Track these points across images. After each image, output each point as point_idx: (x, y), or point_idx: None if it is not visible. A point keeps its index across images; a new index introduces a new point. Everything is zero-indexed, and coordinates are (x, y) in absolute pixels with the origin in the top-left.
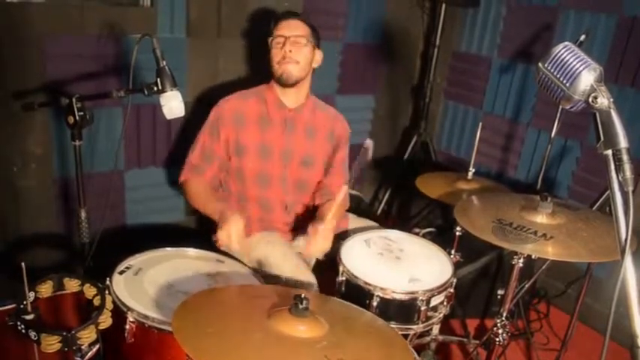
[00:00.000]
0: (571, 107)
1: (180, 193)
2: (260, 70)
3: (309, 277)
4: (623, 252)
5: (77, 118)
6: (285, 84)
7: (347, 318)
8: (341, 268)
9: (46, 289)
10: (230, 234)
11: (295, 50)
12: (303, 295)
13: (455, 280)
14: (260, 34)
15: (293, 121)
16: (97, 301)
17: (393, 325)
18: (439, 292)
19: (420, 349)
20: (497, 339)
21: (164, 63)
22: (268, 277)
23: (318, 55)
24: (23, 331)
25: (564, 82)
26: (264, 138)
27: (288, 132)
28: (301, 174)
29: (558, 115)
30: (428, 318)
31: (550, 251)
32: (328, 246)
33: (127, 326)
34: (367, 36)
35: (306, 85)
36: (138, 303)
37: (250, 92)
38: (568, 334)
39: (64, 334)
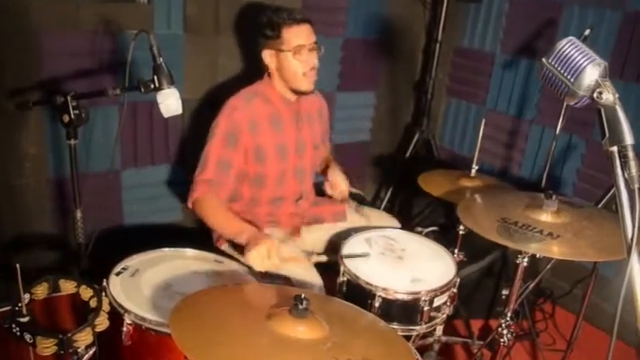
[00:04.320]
0: (575, 103)
1: (191, 210)
2: (260, 67)
3: (315, 278)
4: (629, 250)
5: (72, 116)
6: (303, 94)
7: (346, 318)
8: (342, 268)
9: (41, 290)
10: (264, 255)
11: (316, 59)
12: (303, 296)
13: (458, 280)
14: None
15: (299, 112)
16: (93, 303)
17: (395, 326)
18: (442, 292)
19: (423, 350)
20: (502, 340)
21: (161, 60)
22: (268, 276)
23: None
24: (18, 333)
25: (568, 77)
26: (280, 138)
27: (298, 124)
28: (314, 158)
29: (563, 111)
30: (431, 319)
31: (556, 250)
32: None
33: (124, 328)
34: (368, 31)
35: None
36: (135, 305)
37: (249, 94)
38: (574, 335)
39: (60, 336)
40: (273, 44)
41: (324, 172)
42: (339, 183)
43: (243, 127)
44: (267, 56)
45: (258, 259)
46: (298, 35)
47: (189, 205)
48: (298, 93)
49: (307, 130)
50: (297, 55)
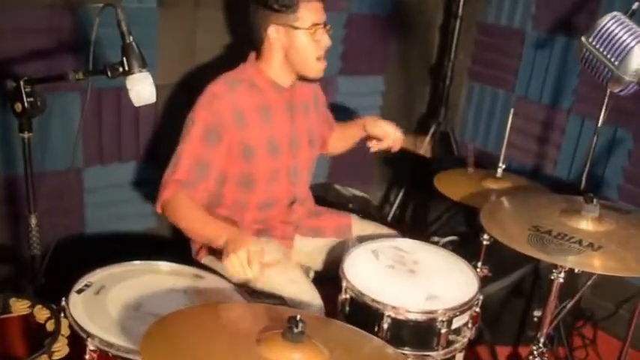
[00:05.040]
0: (621, 90)
1: (162, 215)
2: (246, 47)
3: (314, 296)
4: None
5: (26, 104)
6: (312, 81)
7: (348, 343)
8: (344, 284)
9: None
10: (244, 260)
11: (329, 41)
12: (298, 317)
13: (481, 298)
14: (245, 4)
15: (292, 101)
16: (50, 326)
17: (407, 351)
18: (462, 312)
19: None
20: None
21: (131, 38)
22: (258, 295)
23: None
24: None
25: (612, 60)
26: (270, 131)
27: (291, 115)
28: (310, 155)
29: (606, 99)
30: (449, 343)
31: (597, 264)
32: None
33: (87, 356)
34: (376, 5)
35: None
36: (100, 328)
37: (231, 80)
38: None
39: None
40: (285, 19)
41: (352, 131)
42: (386, 129)
43: (227, 118)
44: (274, 32)
45: (237, 265)
46: (315, 12)
47: (158, 209)
48: (304, 79)
49: (302, 121)
50: (313, 35)
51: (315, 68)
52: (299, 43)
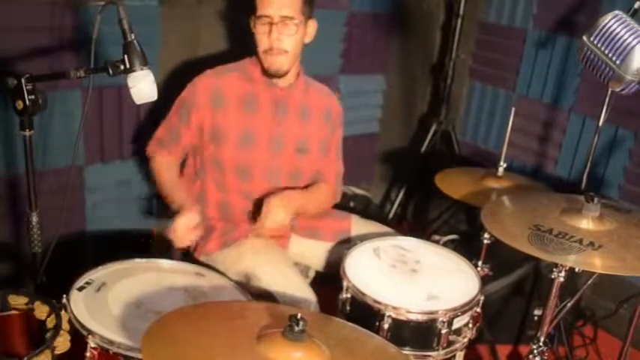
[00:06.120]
0: (622, 89)
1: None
2: (249, 45)
3: (307, 293)
4: None
5: (27, 102)
6: (273, 76)
7: (349, 341)
8: (345, 283)
9: None
10: (177, 228)
11: (284, 37)
12: (299, 315)
13: (482, 298)
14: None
15: (285, 102)
16: (50, 323)
17: (407, 351)
18: (463, 312)
19: None
20: None
21: (132, 36)
22: (257, 293)
23: (312, 27)
24: None
25: (614, 59)
26: (249, 123)
27: (279, 115)
28: (296, 162)
29: (607, 98)
30: (450, 343)
31: (598, 263)
32: (282, 218)
33: (88, 353)
34: (376, 4)
35: (297, 61)
36: (101, 325)
37: (228, 67)
38: None
39: None
40: (254, 8)
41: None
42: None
43: (201, 100)
44: (251, 22)
45: (171, 231)
46: (269, 4)
47: (146, 155)
48: (268, 76)
49: (292, 125)
50: (257, 27)
51: (265, 60)
52: (254, 34)
